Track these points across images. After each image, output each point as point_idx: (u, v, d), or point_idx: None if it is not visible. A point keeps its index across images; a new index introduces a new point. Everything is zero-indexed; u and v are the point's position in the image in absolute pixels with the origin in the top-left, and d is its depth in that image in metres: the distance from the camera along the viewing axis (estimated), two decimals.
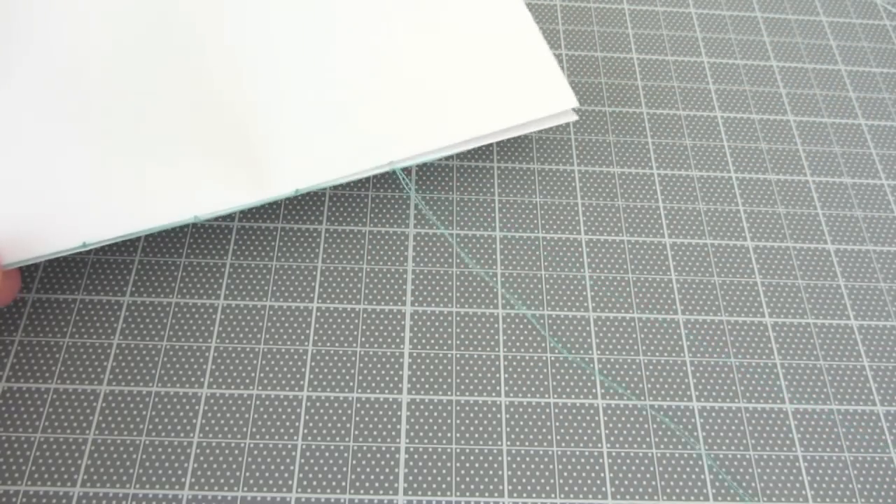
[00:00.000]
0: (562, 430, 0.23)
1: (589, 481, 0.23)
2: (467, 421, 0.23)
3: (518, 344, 0.25)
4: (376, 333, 0.25)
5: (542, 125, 0.27)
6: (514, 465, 0.23)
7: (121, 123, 0.24)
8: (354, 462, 0.22)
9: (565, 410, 0.24)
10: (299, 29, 0.27)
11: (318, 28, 0.27)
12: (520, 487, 0.22)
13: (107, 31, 0.26)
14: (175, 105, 0.25)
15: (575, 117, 0.27)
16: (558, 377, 0.24)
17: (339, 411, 0.23)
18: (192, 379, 0.23)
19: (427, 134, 0.25)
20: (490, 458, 0.23)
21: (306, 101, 0.26)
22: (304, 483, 0.22)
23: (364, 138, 0.25)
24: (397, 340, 0.25)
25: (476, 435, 0.23)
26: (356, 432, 0.23)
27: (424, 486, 0.22)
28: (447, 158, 0.29)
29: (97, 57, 0.25)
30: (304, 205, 0.27)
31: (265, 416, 0.23)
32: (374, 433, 0.23)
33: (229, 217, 0.27)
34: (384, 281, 0.26)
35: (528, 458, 0.23)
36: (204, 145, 0.24)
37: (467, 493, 0.22)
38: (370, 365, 0.24)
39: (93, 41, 0.25)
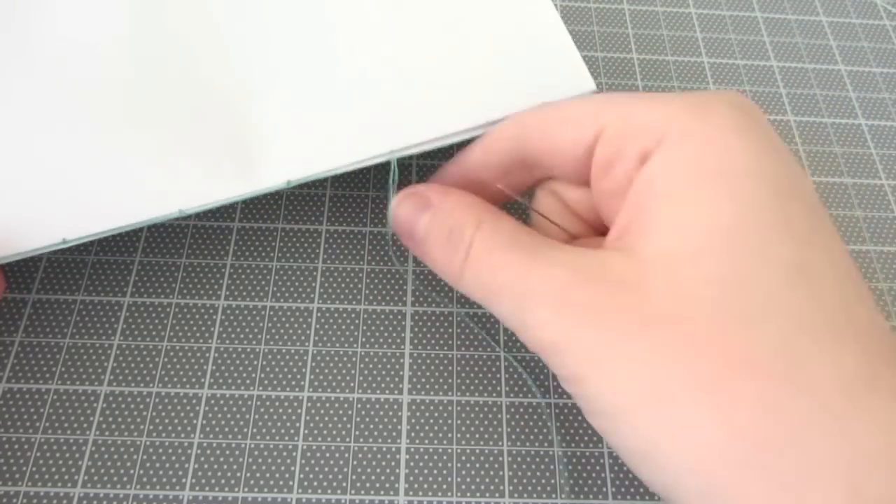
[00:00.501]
0: (562, 431, 0.23)
1: (590, 481, 0.23)
2: (468, 421, 0.23)
3: (519, 344, 0.25)
4: (377, 334, 0.25)
5: None
6: (514, 466, 0.23)
7: (100, 113, 0.23)
8: (355, 462, 0.22)
9: (566, 410, 0.24)
10: (294, 7, 0.26)
11: (315, 7, 0.26)
12: (520, 488, 0.22)
13: (86, 19, 0.25)
14: (158, 92, 0.24)
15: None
16: None
17: (340, 412, 0.23)
18: (193, 379, 0.23)
19: (433, 119, 0.23)
20: (491, 458, 0.23)
21: (300, 84, 0.24)
22: (305, 483, 0.22)
23: (363, 124, 0.23)
24: (398, 341, 0.25)
25: (477, 435, 0.23)
26: (357, 433, 0.23)
27: (425, 486, 0.22)
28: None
29: (77, 46, 0.24)
30: (304, 205, 0.27)
31: (266, 417, 0.23)
32: (375, 434, 0.23)
33: (229, 218, 0.27)
34: (385, 281, 0.26)
35: (528, 459, 0.23)
36: (189, 134, 0.23)
37: (468, 494, 0.22)
38: (371, 365, 0.24)
39: (72, 31, 0.25)
